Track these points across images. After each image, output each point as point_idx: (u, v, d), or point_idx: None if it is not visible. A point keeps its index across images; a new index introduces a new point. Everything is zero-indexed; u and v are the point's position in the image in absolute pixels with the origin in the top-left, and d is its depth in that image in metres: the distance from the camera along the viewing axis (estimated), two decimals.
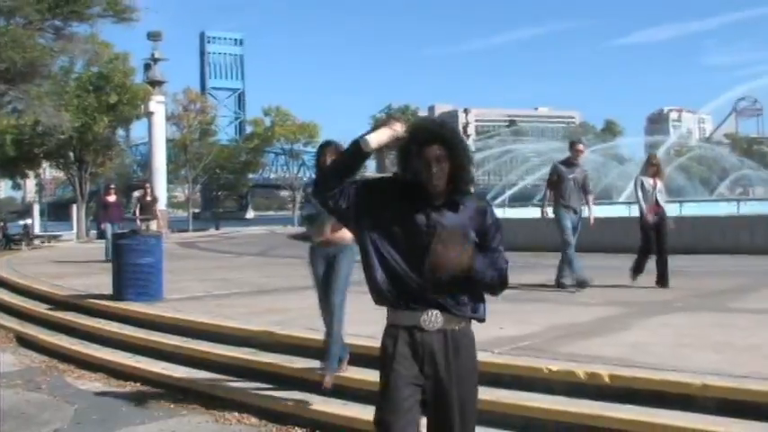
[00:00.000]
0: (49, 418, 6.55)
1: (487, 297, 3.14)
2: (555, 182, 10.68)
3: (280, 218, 76.09)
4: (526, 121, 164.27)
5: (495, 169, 75.70)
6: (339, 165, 3.18)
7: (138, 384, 7.62)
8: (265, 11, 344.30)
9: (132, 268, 10.27)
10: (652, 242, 10.58)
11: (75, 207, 38.52)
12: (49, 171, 68.10)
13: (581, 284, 10.28)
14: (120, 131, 42.73)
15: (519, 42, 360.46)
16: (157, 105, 37.45)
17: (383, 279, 3.05)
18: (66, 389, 7.63)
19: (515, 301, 8.57)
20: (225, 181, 71.31)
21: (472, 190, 3.19)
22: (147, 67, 41.36)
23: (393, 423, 2.99)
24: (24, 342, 9.99)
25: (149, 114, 37.23)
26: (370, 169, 69.37)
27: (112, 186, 19.99)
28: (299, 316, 8.28)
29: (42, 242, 31.48)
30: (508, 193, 42.26)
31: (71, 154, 37.09)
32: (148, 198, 18.73)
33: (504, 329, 6.74)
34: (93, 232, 34.83)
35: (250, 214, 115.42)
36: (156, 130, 37.89)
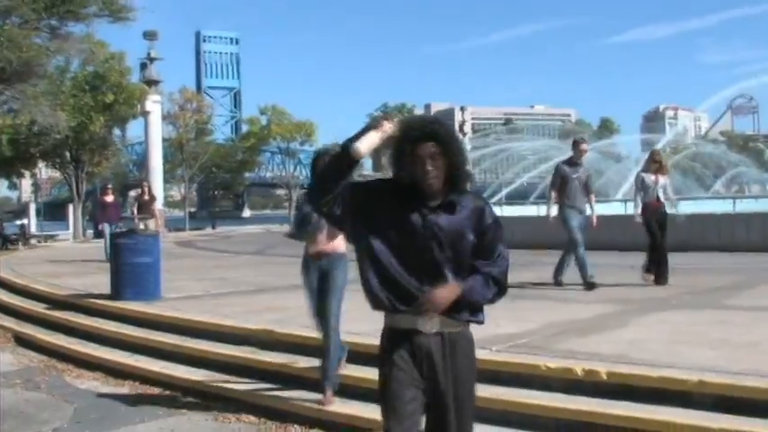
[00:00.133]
0: (48, 418, 6.57)
1: None
2: (559, 184, 10.54)
3: (276, 217, 75.99)
4: (522, 118, 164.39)
5: (491, 167, 75.72)
6: (329, 172, 3.05)
7: (137, 383, 7.63)
8: (261, 9, 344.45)
9: (130, 267, 10.29)
10: (658, 235, 10.54)
11: (71, 207, 38.45)
12: (45, 171, 67.97)
13: (590, 286, 10.08)
14: (117, 131, 42.53)
15: (515, 40, 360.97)
16: (153, 105, 37.41)
17: (379, 284, 3.03)
18: (65, 388, 7.65)
19: (513, 298, 8.49)
20: (221, 180, 71.41)
21: (469, 188, 3.15)
22: (144, 66, 41.30)
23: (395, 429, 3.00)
24: (23, 342, 10.00)
25: (145, 114, 37.22)
26: (366, 167, 69.38)
27: (110, 186, 19.96)
28: (298, 314, 8.26)
29: (39, 242, 31.48)
30: (505, 191, 42.25)
31: (67, 153, 37.00)
32: (146, 197, 18.74)
33: (502, 327, 6.76)
34: (90, 232, 34.77)
35: (246, 213, 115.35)
36: (152, 129, 37.87)
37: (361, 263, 3.09)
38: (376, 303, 3.08)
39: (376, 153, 3.23)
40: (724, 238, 15.47)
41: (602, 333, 7.04)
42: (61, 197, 72.87)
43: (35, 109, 24.83)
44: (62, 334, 9.79)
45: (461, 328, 3.10)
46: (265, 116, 62.94)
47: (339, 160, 3.02)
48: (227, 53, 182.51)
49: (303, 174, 63.78)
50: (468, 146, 48.93)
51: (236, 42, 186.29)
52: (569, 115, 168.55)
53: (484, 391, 5.09)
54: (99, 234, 21.00)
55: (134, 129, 56.51)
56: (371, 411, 4.92)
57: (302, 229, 6.22)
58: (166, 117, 49.66)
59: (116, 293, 10.38)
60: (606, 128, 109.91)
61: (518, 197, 39.78)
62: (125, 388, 7.56)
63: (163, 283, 10.64)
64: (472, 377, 3.14)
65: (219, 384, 7.05)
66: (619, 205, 20.35)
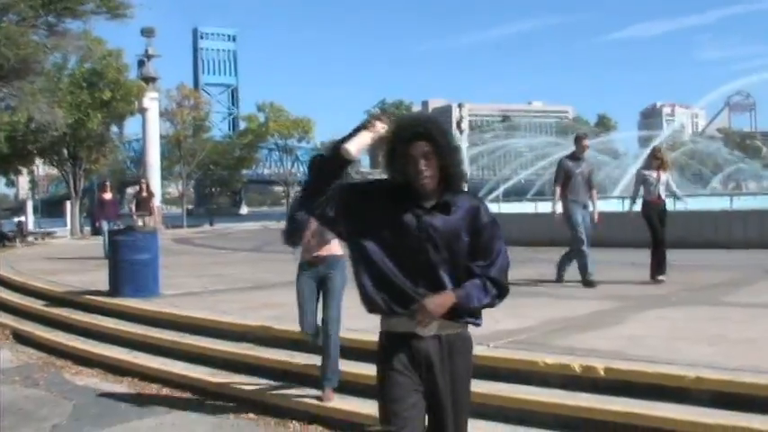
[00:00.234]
0: (47, 414, 6.57)
1: None
2: (563, 179, 10.52)
3: (274, 213, 75.98)
4: (519, 115, 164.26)
5: (488, 164, 75.80)
6: (321, 175, 3.01)
7: (136, 380, 7.64)
8: (258, 6, 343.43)
9: (129, 264, 10.29)
10: (659, 230, 10.56)
11: (68, 204, 38.41)
12: (42, 168, 67.96)
13: (588, 284, 10.09)
14: (114, 128, 42.49)
15: (513, 37, 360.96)
16: (151, 102, 37.43)
17: (373, 286, 2.99)
18: (64, 385, 7.65)
19: (511, 295, 8.54)
20: (219, 177, 71.30)
21: (465, 188, 3.11)
22: (141, 63, 41.21)
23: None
24: (21, 339, 10.00)
25: (143, 111, 37.23)
26: (363, 164, 69.42)
27: (108, 183, 19.96)
28: (295, 311, 8.24)
29: (36, 239, 31.40)
30: (502, 187, 42.25)
31: (65, 151, 36.93)
32: (144, 194, 18.74)
33: (501, 323, 6.77)
34: (87, 229, 34.75)
35: (244, 210, 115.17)
36: (149, 126, 37.88)
37: (355, 266, 3.06)
38: (371, 306, 3.04)
39: (374, 151, 3.21)
40: (721, 234, 15.48)
41: (601, 329, 7.06)
42: (58, 194, 72.71)
43: (32, 106, 24.78)
44: (61, 331, 9.80)
45: (460, 329, 3.09)
46: (263, 113, 62.94)
47: (330, 161, 2.99)
48: (224, 50, 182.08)
49: (300, 170, 63.77)
50: (465, 143, 48.85)
51: (234, 39, 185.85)
52: (567, 112, 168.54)
53: (482, 387, 5.12)
54: (97, 231, 21.02)
55: (131, 126, 56.75)
56: (370, 407, 4.93)
57: (296, 236, 6.12)
58: (164, 114, 49.71)
59: (114, 290, 10.38)
60: (603, 124, 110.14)
61: (516, 193, 39.81)
62: (124, 384, 7.56)
63: (161, 280, 10.65)
64: (468, 374, 3.14)
65: (218, 381, 7.06)
66: (616, 202, 20.37)
